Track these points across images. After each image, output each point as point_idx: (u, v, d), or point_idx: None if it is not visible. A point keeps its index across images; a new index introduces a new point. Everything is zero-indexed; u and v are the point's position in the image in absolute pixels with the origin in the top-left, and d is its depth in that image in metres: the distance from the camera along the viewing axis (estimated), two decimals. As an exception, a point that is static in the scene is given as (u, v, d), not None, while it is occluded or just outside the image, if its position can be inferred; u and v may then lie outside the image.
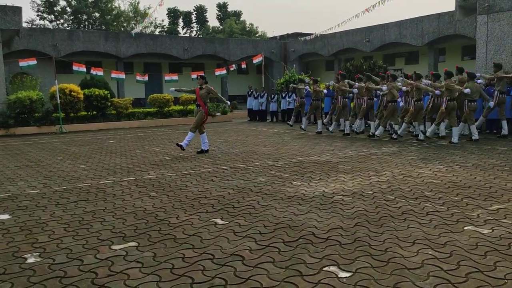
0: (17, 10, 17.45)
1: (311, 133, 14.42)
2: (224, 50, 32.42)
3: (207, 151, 10.35)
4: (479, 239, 4.06)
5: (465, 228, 4.39)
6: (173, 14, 54.93)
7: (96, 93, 18.92)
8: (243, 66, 23.02)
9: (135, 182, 7.08)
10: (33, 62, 17.18)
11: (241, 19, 56.13)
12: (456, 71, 12.25)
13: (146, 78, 20.11)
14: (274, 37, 44.57)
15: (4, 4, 17.75)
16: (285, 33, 43.32)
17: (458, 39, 24.84)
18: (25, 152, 11.29)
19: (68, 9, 43.01)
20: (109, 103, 19.61)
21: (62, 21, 43.58)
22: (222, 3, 57.92)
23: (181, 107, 22.01)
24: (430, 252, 3.76)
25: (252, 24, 54.63)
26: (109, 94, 19.56)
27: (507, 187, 6.06)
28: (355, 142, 11.70)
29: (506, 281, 3.18)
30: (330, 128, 14.00)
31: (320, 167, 8.01)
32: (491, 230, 4.29)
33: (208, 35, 49.96)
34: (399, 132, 11.95)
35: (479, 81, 11.44)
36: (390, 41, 27.96)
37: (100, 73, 18.87)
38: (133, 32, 29.04)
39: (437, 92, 11.19)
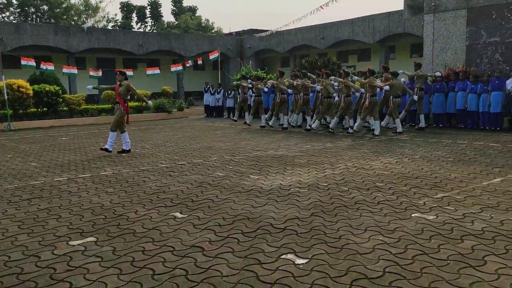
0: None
1: (255, 127, 14.64)
2: (180, 45, 32.11)
3: (128, 151, 9.76)
4: (424, 224, 4.34)
5: (412, 215, 4.66)
6: (126, 8, 53.65)
7: (47, 89, 18.25)
8: (200, 62, 22.93)
9: (91, 179, 6.97)
10: (-24, 56, 16.33)
11: (196, 14, 55.64)
12: (382, 69, 13.24)
13: (100, 73, 19.63)
14: (230, 33, 44.56)
15: None
16: (241, 30, 43.42)
17: (407, 37, 25.83)
18: (-29, 151, 10.79)
19: (14, 1, 41.02)
20: (61, 100, 18.97)
21: (8, 13, 41.60)
22: (177, -2, 57.15)
23: (137, 103, 21.65)
24: (380, 238, 3.99)
25: (207, 20, 54.36)
26: (60, 90, 18.92)
27: (451, 177, 6.46)
28: (310, 137, 11.99)
29: (448, 262, 3.44)
30: (270, 123, 14.86)
31: (276, 161, 8.18)
32: (435, 216, 4.58)
33: (163, 30, 49.22)
34: (354, 127, 12.41)
35: (402, 79, 12.74)
36: (343, 38, 28.67)
37: (50, 67, 18.24)
38: (85, 26, 28.17)
39: (361, 90, 12.49)
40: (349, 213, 4.77)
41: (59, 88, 18.99)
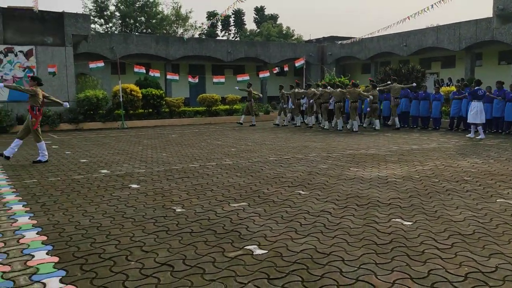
0: (86, 18, 19.46)
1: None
2: (265, 53, 33.92)
3: (46, 161, 9.30)
4: (507, 206, 5.34)
5: (497, 200, 5.66)
6: (213, 17, 56.88)
7: (153, 92, 20.74)
8: (286, 69, 24.43)
9: (218, 166, 8.58)
10: (101, 64, 19.11)
11: (277, 22, 57.57)
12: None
13: (197, 80, 21.81)
14: (310, 41, 45.84)
15: (75, 12, 19.75)
16: (321, 37, 44.56)
17: (495, 44, 25.46)
18: (106, 143, 13.02)
19: (117, 13, 45.63)
20: (164, 102, 21.40)
21: (111, 24, 46.25)
22: (259, 7, 59.55)
23: (227, 106, 23.68)
24: (469, 213, 5.07)
25: (288, 27, 56.02)
26: (164, 94, 21.35)
27: (534, 175, 7.25)
28: (396, 140, 12.92)
29: (526, 229, 4.48)
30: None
31: (370, 158, 9.33)
32: (517, 202, 5.55)
33: (245, 37, 51.66)
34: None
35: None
36: (427, 45, 28.78)
37: (157, 74, 20.68)
38: (185, 36, 30.83)
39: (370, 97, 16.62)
40: (442, 197, 5.86)
41: (163, 91, 21.43)
